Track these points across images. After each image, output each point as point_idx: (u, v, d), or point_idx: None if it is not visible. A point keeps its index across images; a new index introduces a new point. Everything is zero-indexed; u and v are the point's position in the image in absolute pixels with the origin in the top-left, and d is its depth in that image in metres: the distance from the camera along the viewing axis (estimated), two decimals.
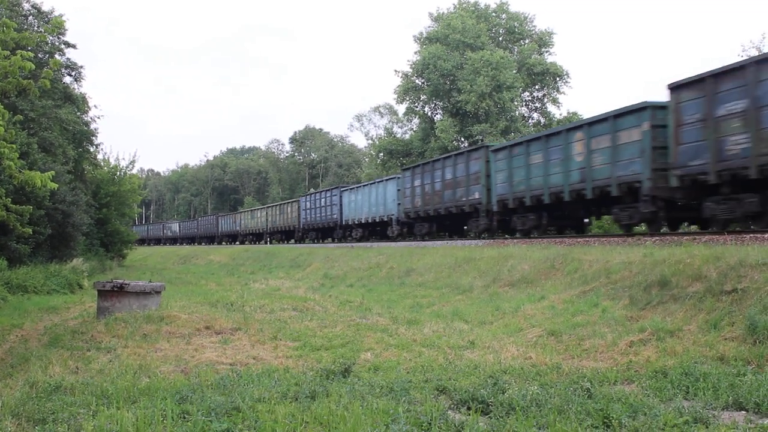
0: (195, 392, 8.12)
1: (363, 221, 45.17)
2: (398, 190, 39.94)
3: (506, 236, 30.01)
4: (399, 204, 39.73)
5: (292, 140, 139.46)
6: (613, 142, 21.75)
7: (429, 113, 70.19)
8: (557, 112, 67.64)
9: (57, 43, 37.46)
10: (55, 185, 13.82)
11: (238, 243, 74.89)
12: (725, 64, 17.88)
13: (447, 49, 65.11)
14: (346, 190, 48.91)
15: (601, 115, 22.65)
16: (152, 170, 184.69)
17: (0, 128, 12.09)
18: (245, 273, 36.74)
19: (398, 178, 40.63)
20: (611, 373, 8.99)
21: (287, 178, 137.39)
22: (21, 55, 12.34)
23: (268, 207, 70.93)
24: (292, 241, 55.66)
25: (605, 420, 6.73)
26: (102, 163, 48.44)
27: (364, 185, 46.34)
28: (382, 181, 43.47)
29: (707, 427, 6.54)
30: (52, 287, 24.18)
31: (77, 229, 33.27)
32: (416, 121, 72.57)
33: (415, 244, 31.62)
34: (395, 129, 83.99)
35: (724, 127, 17.79)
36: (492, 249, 23.00)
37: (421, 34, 69.64)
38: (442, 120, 64.44)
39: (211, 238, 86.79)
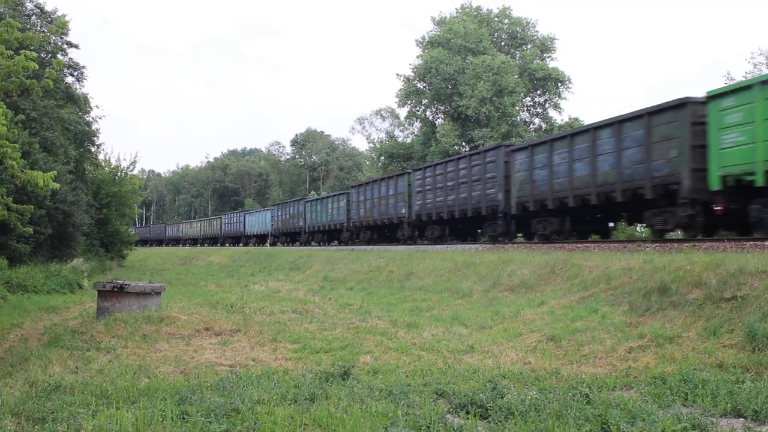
0: (194, 393, 8.13)
1: (256, 233, 71.17)
2: (272, 216, 65.92)
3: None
4: (272, 224, 65.39)
5: (293, 142, 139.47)
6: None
7: (430, 117, 70.27)
8: (558, 118, 67.74)
9: (60, 43, 37.50)
10: (57, 185, 13.83)
11: (180, 245, 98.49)
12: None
13: (449, 53, 65.22)
14: (248, 213, 77.17)
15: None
16: (153, 171, 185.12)
17: (2, 128, 12.11)
18: (245, 275, 36.66)
19: (272, 209, 67.83)
20: (610, 378, 9.00)
21: (288, 180, 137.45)
22: (25, 55, 12.35)
23: (201, 220, 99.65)
24: (298, 243, 57.43)
25: (604, 426, 6.75)
26: (103, 164, 48.44)
27: (257, 211, 75.17)
28: (264, 210, 71.79)
29: None
30: (52, 287, 24.15)
31: (78, 229, 33.27)
32: (417, 124, 72.68)
33: (415, 248, 31.56)
34: (396, 132, 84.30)
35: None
36: (492, 254, 23.00)
37: (423, 38, 69.89)
38: (443, 124, 64.52)
39: (160, 241, 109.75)
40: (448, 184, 33.25)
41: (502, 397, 7.83)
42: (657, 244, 18.74)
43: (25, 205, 16.52)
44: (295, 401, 7.84)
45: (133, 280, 17.67)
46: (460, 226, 34.92)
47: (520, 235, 30.93)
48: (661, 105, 20.57)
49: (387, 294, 21.49)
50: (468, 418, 7.14)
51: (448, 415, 7.32)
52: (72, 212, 31.44)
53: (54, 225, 29.85)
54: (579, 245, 21.84)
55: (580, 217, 25.82)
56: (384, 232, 43.15)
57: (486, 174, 30.23)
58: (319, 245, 50.48)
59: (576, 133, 24.96)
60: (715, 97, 18.56)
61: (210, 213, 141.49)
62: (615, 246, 20.19)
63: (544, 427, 6.72)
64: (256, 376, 9.34)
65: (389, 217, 40.05)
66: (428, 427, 6.69)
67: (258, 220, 70.44)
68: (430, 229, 36.04)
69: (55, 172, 13.98)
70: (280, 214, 62.86)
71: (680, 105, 19.66)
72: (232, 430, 6.69)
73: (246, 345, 12.28)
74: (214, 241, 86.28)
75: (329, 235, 52.88)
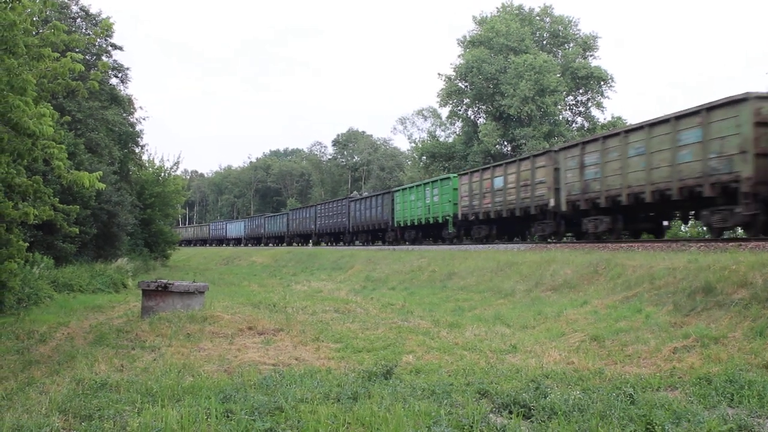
0: (238, 392, 8.19)
1: (234, 237, 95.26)
2: (244, 226, 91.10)
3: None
4: (245, 231, 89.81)
5: (335, 143, 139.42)
6: None
7: (472, 117, 70.06)
8: (601, 117, 67.21)
9: (104, 45, 37.98)
10: (102, 185, 13.98)
11: (178, 245, 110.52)
12: None
13: (491, 52, 64.94)
14: (228, 222, 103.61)
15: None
16: (196, 171, 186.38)
17: (50, 129, 12.26)
18: (287, 275, 36.76)
19: (244, 221, 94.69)
20: (654, 379, 8.91)
21: (329, 181, 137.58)
22: (71, 57, 12.52)
23: (194, 226, 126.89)
24: (341, 243, 57.55)
25: (648, 426, 6.69)
26: (147, 164, 48.89)
27: (234, 221, 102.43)
28: (239, 221, 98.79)
29: None
30: (97, 286, 24.47)
31: (122, 229, 33.69)
32: (459, 124, 72.46)
33: (457, 248, 31.46)
34: (438, 132, 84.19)
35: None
36: (534, 253, 22.89)
37: (465, 37, 69.62)
38: (485, 124, 64.28)
39: None
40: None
41: (545, 397, 7.79)
42: (702, 244, 18.55)
43: (71, 206, 16.76)
44: (338, 400, 7.86)
45: (176, 280, 17.81)
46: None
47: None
48: (383, 191, 48.82)
49: (429, 294, 21.46)
50: (511, 418, 7.12)
51: (491, 415, 7.30)
52: (116, 212, 31.86)
53: (99, 225, 30.25)
54: (623, 245, 21.67)
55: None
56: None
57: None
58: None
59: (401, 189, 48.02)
60: (396, 191, 46.29)
61: (252, 213, 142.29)
62: (659, 246, 20.02)
63: (587, 427, 6.68)
64: (299, 375, 9.38)
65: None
66: (471, 427, 6.68)
67: (235, 228, 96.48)
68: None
69: (100, 173, 14.12)
70: (249, 224, 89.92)
71: (387, 192, 47.73)
72: (275, 429, 6.73)
73: (289, 344, 12.33)
74: (204, 242, 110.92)
75: (279, 239, 76.97)
